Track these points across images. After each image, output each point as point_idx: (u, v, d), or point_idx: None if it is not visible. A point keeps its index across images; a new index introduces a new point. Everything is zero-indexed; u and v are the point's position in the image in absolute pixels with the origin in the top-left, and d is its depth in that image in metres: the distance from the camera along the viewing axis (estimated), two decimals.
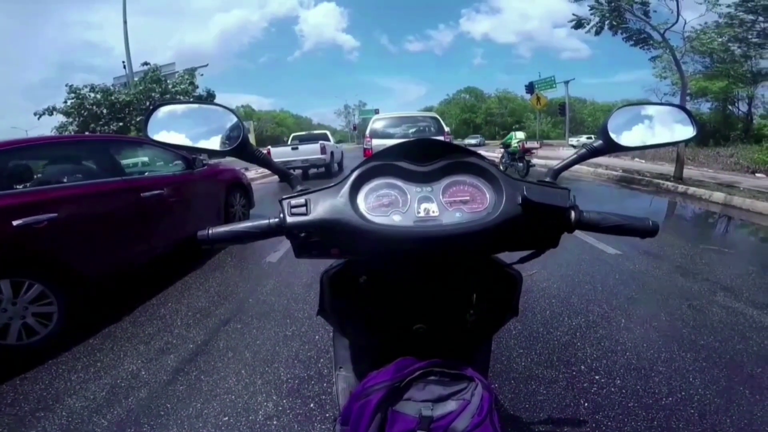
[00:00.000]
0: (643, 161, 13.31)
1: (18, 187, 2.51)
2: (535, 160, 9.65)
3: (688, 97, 11.22)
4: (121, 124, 15.01)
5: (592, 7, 8.66)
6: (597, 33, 9.03)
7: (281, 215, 0.61)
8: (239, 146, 0.64)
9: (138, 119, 14.99)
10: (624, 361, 1.99)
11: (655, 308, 2.59)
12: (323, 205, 0.60)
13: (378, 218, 0.59)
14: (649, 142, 0.71)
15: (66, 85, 15.53)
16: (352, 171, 0.64)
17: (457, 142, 19.32)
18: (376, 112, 24.57)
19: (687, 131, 0.71)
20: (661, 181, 8.29)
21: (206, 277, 3.47)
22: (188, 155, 4.06)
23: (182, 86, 16.22)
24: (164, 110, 0.69)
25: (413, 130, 6.93)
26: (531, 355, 2.06)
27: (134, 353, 2.29)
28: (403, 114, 7.52)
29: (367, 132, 6.96)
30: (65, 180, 2.84)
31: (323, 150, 11.17)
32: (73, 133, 14.77)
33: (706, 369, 1.91)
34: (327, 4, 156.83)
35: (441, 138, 6.49)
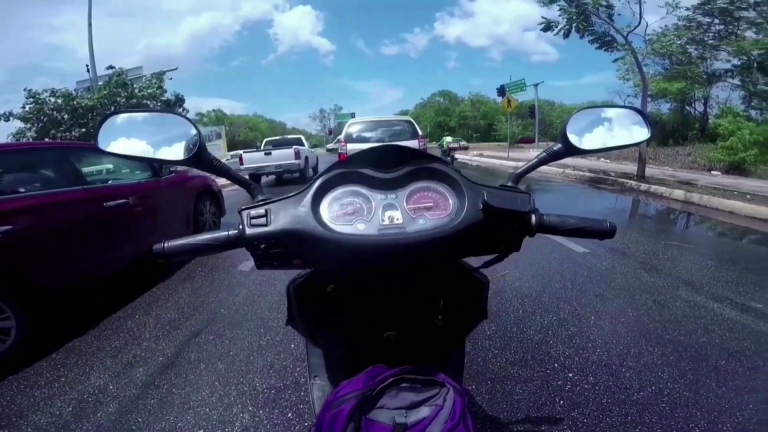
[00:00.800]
0: (608, 161, 13.85)
1: None
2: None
3: (649, 98, 11.76)
4: (83, 129, 14.22)
5: (561, 9, 8.96)
6: (565, 36, 9.33)
7: (240, 226, 0.59)
8: (195, 155, 0.62)
9: None
10: (595, 358, 2.05)
11: (622, 304, 2.69)
12: (284, 215, 0.58)
13: (342, 227, 0.59)
14: (606, 145, 0.72)
15: (24, 90, 14.57)
16: (315, 179, 0.63)
17: (432, 145, 19.53)
18: (352, 116, 24.52)
19: (642, 133, 0.73)
20: (625, 180, 8.66)
21: (175, 288, 3.36)
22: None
23: (149, 90, 15.62)
24: (116, 120, 0.66)
25: (388, 134, 6.97)
26: (506, 355, 2.10)
27: (101, 367, 2.20)
28: (378, 118, 7.57)
29: (342, 136, 6.97)
30: (21, 190, 2.68)
31: (297, 155, 11.04)
32: (31, 139, 14.01)
33: (673, 363, 1.99)
34: (302, 8, 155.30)
35: (415, 142, 6.63)
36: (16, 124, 14.71)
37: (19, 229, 2.38)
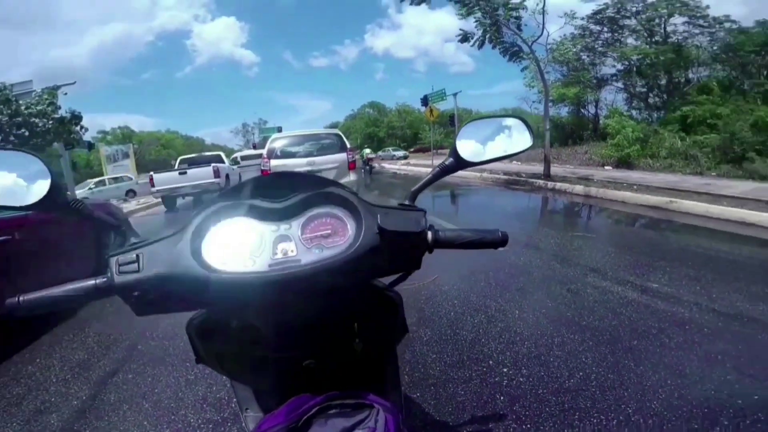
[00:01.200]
0: (519, 163, 15.14)
1: None
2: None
3: (550, 103, 13.09)
4: None
5: (477, 21, 9.64)
6: (480, 46, 10.07)
7: (109, 274, 0.53)
8: (46, 198, 0.56)
9: None
10: (525, 351, 2.17)
11: (541, 296, 2.91)
12: (159, 259, 0.53)
13: (227, 266, 0.54)
14: (494, 156, 0.74)
15: None
16: (194, 215, 0.58)
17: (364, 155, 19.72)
18: (279, 129, 23.73)
19: (525, 141, 0.75)
20: (534, 180, 9.58)
21: (81, 328, 3.00)
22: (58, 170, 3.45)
23: (39, 107, 13.61)
24: None
25: (316, 148, 6.82)
26: (444, 359, 2.14)
27: (4, 416, 1.94)
28: (304, 132, 7.31)
29: (265, 152, 6.66)
30: None
31: (217, 173, 10.32)
32: None
33: (593, 347, 2.16)
34: (226, 19, 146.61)
35: (344, 155, 6.60)
36: None
37: None
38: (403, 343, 0.76)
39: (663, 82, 17.57)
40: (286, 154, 6.62)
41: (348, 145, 6.91)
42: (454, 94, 18.63)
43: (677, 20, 16.97)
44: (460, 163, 0.71)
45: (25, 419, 1.90)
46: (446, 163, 0.72)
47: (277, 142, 6.79)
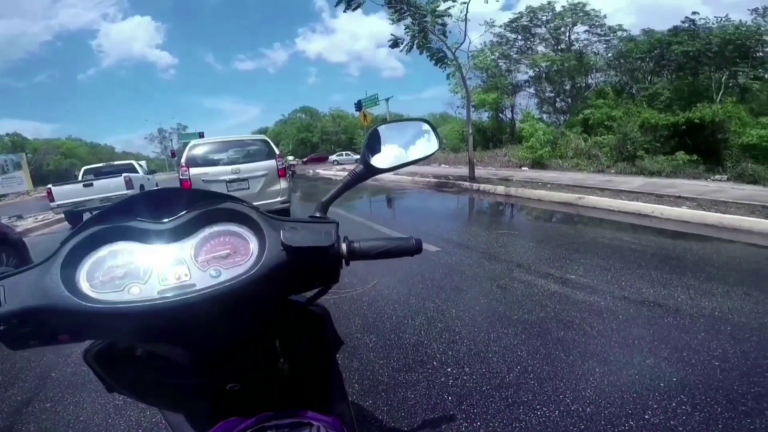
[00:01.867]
0: (448, 166, 15.90)
1: None
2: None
3: (473, 108, 13.93)
4: None
5: (406, 27, 9.89)
6: (408, 51, 10.35)
7: None
8: None
9: None
10: (465, 349, 2.26)
11: (474, 293, 3.06)
12: (25, 290, 0.48)
13: (108, 295, 0.49)
14: (401, 162, 0.73)
15: None
16: (64, 242, 0.52)
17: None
18: (201, 135, 22.19)
19: (432, 145, 0.76)
20: (461, 182, 10.12)
21: None
22: None
23: None
24: None
25: (242, 154, 6.43)
26: (390, 363, 2.16)
27: None
28: (227, 138, 6.82)
29: (183, 160, 6.11)
30: None
31: (129, 184, 9.20)
32: None
33: (526, 340, 2.29)
34: (138, 18, 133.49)
35: (273, 162, 6.33)
36: None
37: None
38: (349, 352, 0.75)
39: (568, 87, 19.65)
40: (207, 162, 6.15)
41: (277, 151, 6.60)
42: (386, 99, 18.97)
43: (579, 29, 19.20)
44: (370, 170, 0.70)
45: None
46: (356, 170, 0.70)
47: (198, 149, 6.27)
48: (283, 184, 6.37)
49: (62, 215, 9.33)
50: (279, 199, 6.27)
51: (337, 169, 22.04)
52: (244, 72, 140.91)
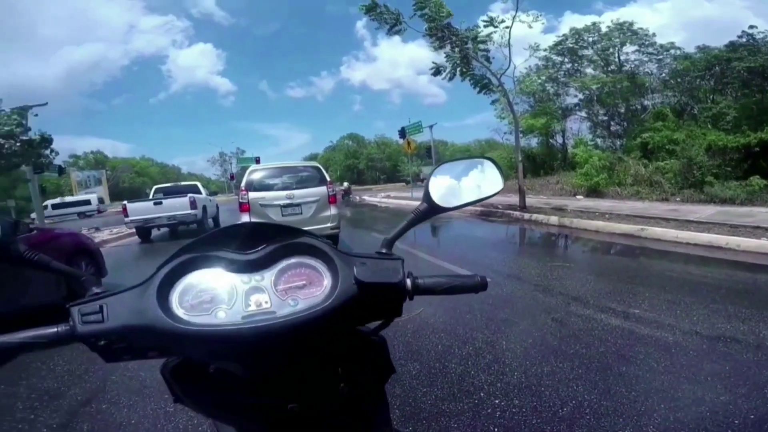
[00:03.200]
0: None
1: None
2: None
3: (521, 134, 13.53)
4: None
5: (447, 54, 10.03)
6: (450, 79, 10.43)
7: (71, 323, 0.52)
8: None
9: None
10: (516, 381, 2.15)
11: (527, 326, 2.91)
12: (125, 310, 0.52)
13: (197, 318, 0.53)
14: (465, 201, 0.73)
15: None
16: (160, 267, 0.57)
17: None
18: (257, 160, 23.54)
19: (497, 184, 0.75)
20: (511, 212, 9.71)
21: (49, 356, 2.85)
22: (9, 218, 3.36)
23: (7, 128, 12.93)
24: None
25: (295, 180, 6.68)
26: (434, 392, 2.10)
27: None
28: (283, 164, 7.19)
29: (243, 184, 6.51)
30: None
31: (193, 204, 10.02)
32: None
33: (583, 375, 2.16)
34: (202, 45, 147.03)
35: (324, 188, 6.55)
36: None
37: None
38: (392, 378, 0.75)
39: (622, 110, 18.64)
40: (264, 187, 6.47)
41: (328, 178, 6.78)
42: (430, 126, 19.11)
43: (628, 49, 18.35)
44: (434, 209, 0.71)
45: None
46: (420, 209, 0.72)
47: (256, 174, 6.64)
48: (333, 210, 6.51)
49: (134, 229, 10.21)
50: (329, 224, 6.41)
51: (382, 196, 22.30)
52: (295, 99, 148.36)
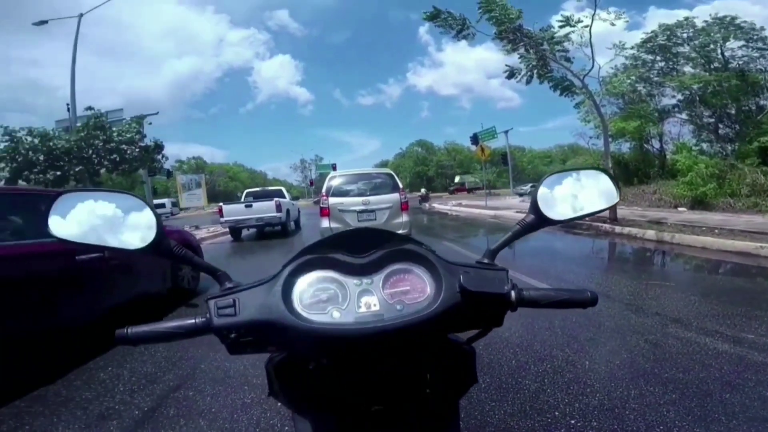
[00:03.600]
0: None
1: None
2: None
3: (610, 139, 12.26)
4: (58, 173, 13.54)
5: (521, 56, 9.57)
6: (527, 82, 9.91)
7: (207, 315, 0.57)
8: (154, 243, 0.60)
9: (78, 169, 13.80)
10: (596, 403, 1.99)
11: (615, 347, 2.66)
12: (254, 305, 0.57)
13: (315, 316, 0.57)
14: (577, 214, 0.70)
15: (0, 127, 13.75)
16: (285, 266, 0.62)
17: (412, 195, 20.02)
18: (334, 167, 24.67)
19: (611, 196, 0.72)
20: (599, 224, 8.74)
21: None
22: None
23: (128, 135, 15.05)
24: (69, 199, 0.62)
25: (370, 187, 6.95)
26: (503, 407, 2.00)
27: (70, 418, 2.09)
28: (358, 171, 7.58)
29: (324, 190, 6.92)
30: None
31: (279, 208, 10.86)
32: (4, 181, 13.27)
33: (677, 401, 1.95)
34: (282, 57, 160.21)
35: (397, 195, 6.68)
36: None
37: None
38: None
39: (732, 111, 16.08)
40: (342, 193, 6.82)
41: (400, 185, 6.96)
42: (506, 132, 18.37)
43: (733, 44, 15.76)
44: (542, 221, 0.68)
45: (87, 423, 2.04)
46: (527, 220, 0.69)
47: (335, 181, 7.03)
48: (405, 217, 6.66)
49: (227, 229, 11.33)
50: (401, 231, 6.52)
51: (453, 204, 21.79)
52: (366, 107, 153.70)
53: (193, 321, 0.58)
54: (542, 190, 0.69)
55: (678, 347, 2.56)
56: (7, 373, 2.50)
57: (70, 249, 2.97)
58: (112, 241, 0.60)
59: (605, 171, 0.74)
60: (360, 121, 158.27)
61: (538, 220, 0.68)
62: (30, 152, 13.46)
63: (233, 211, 10.93)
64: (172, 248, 0.63)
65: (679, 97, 17.02)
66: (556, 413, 1.91)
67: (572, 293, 0.63)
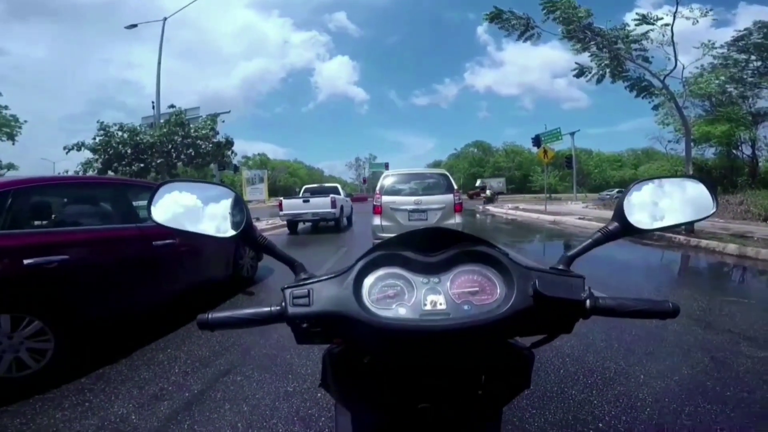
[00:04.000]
0: None
1: (36, 225, 2.60)
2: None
3: (692, 143, 11.16)
4: (142, 165, 15.08)
5: (592, 54, 8.97)
6: (598, 81, 9.28)
7: (283, 304, 0.60)
8: (243, 232, 0.64)
9: (159, 161, 15.22)
10: (645, 417, 1.88)
11: (675, 362, 2.47)
12: (326, 296, 0.59)
13: (383, 311, 0.58)
14: (667, 223, 0.66)
15: (97, 122, 15.56)
16: (357, 261, 0.63)
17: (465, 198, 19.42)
18: (386, 166, 24.77)
19: (707, 208, 0.67)
20: (672, 235, 7.99)
21: None
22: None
23: (204, 131, 16.29)
24: (169, 188, 0.68)
25: (422, 187, 6.89)
26: (544, 415, 1.95)
27: (126, 396, 2.23)
28: (412, 171, 7.52)
29: (377, 188, 6.95)
30: (81, 222, 2.92)
31: (333, 204, 11.27)
32: (97, 170, 14.83)
33: (735, 419, 1.82)
34: (341, 58, 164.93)
35: (450, 196, 6.56)
36: (86, 154, 15.60)
37: (73, 260, 2.56)
38: None
39: None
40: (395, 192, 6.81)
41: (455, 186, 6.78)
42: (572, 134, 17.30)
43: None
44: (627, 229, 0.65)
45: (141, 403, 2.17)
46: (610, 228, 0.66)
47: (388, 180, 7.03)
48: (458, 218, 6.46)
49: (284, 222, 11.93)
50: None
51: (509, 207, 20.81)
52: (420, 107, 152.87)
53: (269, 309, 0.61)
54: (628, 197, 0.66)
55: (748, 366, 2.34)
56: (80, 352, 2.66)
57: (148, 234, 3.25)
58: (207, 229, 0.65)
59: (702, 180, 0.70)
60: (414, 122, 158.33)
61: (623, 228, 0.65)
62: (120, 146, 15.10)
63: (292, 205, 11.49)
64: (257, 238, 0.66)
65: None
66: (600, 425, 1.83)
67: (651, 304, 0.59)
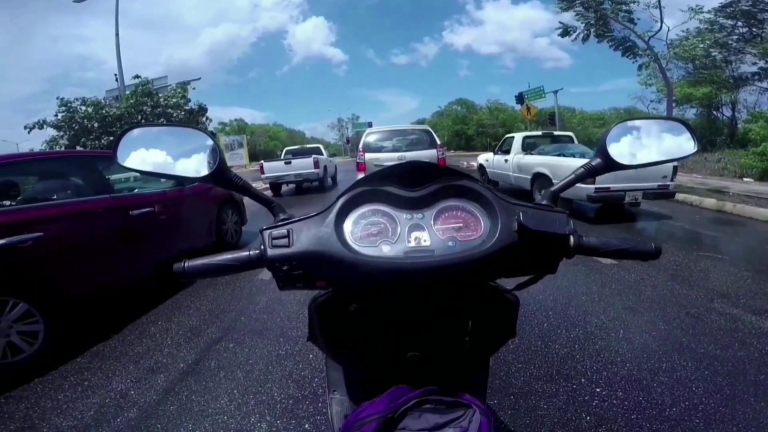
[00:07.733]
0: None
1: (4, 204, 2.47)
2: None
3: (673, 104, 11.28)
4: (111, 138, 14.53)
5: (577, 14, 8.77)
6: (584, 40, 9.14)
7: (262, 247, 0.57)
8: (216, 172, 0.61)
9: None
10: (625, 373, 1.97)
11: (653, 317, 2.57)
12: (307, 236, 0.56)
13: (366, 249, 0.56)
14: (649, 160, 0.67)
15: (57, 98, 15.02)
16: (338, 198, 0.60)
17: (450, 154, 19.32)
18: (370, 125, 24.38)
19: (688, 147, 0.68)
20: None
21: (197, 295, 3.40)
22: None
23: (174, 100, 15.92)
24: (135, 133, 0.64)
25: (406, 143, 6.90)
26: (530, 370, 2.02)
27: (123, 372, 2.24)
28: (395, 127, 7.44)
29: (360, 145, 6.94)
30: (53, 197, 2.78)
31: (316, 164, 11.12)
32: (63, 147, 14.32)
33: (708, 377, 1.89)
34: (315, 19, 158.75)
35: (434, 152, 6.55)
36: (50, 132, 15.10)
37: (48, 236, 2.45)
38: None
39: None
40: (378, 149, 6.83)
41: (438, 141, 6.84)
42: (555, 92, 17.17)
43: None
44: (610, 165, 0.65)
45: (138, 377, 2.18)
46: (593, 163, 0.66)
47: (370, 137, 7.05)
48: None
49: (268, 185, 11.75)
50: None
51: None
52: (400, 66, 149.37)
53: (248, 253, 0.58)
54: (612, 135, 0.66)
55: (720, 323, 2.44)
56: (71, 330, 2.63)
57: (123, 204, 3.14)
58: (179, 170, 0.62)
59: (683, 121, 0.71)
60: (396, 81, 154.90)
61: (606, 164, 0.65)
62: (85, 120, 14.60)
63: (274, 168, 11.29)
64: (231, 178, 0.63)
65: (761, 64, 15.14)
66: (582, 380, 1.92)
67: (635, 244, 0.60)
